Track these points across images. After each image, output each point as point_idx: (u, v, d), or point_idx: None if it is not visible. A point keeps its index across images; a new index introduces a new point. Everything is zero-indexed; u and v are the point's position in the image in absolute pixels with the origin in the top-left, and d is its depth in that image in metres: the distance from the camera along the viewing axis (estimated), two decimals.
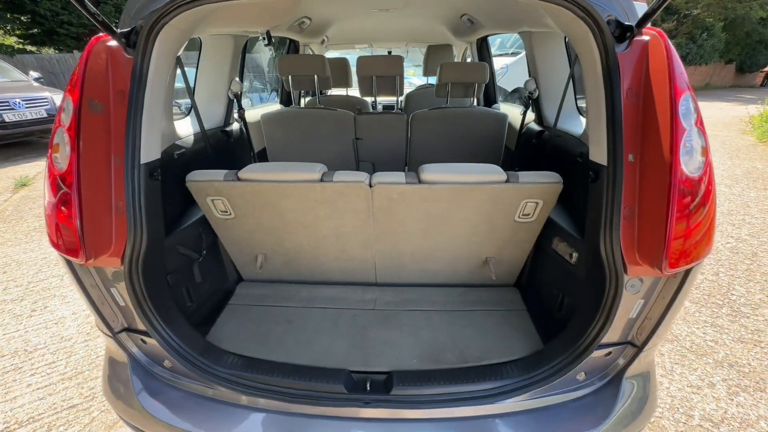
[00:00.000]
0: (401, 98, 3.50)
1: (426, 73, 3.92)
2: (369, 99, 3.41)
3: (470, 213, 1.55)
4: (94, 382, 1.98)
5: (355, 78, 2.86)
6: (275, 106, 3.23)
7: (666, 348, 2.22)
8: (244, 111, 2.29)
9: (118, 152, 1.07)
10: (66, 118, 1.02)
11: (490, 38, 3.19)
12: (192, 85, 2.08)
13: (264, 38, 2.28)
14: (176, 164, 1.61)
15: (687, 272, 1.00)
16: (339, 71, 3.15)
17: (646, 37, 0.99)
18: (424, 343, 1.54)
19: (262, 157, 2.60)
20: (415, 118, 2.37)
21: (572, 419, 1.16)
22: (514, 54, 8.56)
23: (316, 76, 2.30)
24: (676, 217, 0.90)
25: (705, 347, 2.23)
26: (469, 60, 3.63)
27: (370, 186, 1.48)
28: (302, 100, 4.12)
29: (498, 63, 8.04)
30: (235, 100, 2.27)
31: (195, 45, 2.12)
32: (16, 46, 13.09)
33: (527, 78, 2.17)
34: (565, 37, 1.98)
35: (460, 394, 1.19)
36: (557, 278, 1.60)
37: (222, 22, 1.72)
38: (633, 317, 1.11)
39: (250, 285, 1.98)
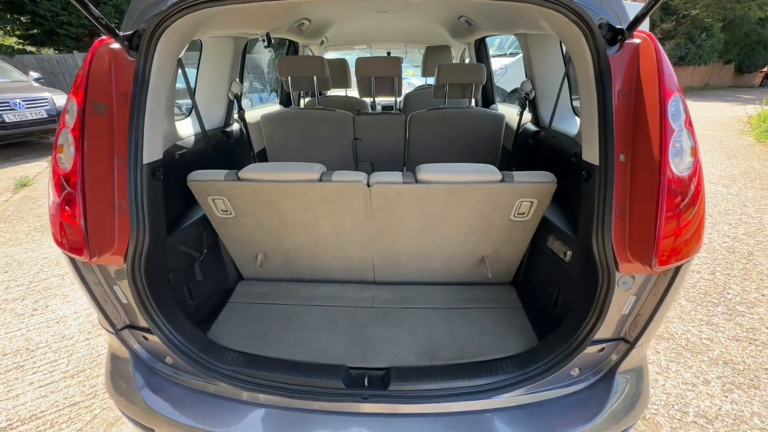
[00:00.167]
0: (400, 99, 3.52)
1: (425, 74, 3.93)
2: (368, 100, 3.43)
3: (466, 212, 1.57)
4: (95, 380, 2.00)
5: (354, 79, 2.88)
6: (275, 107, 3.24)
7: (662, 346, 2.24)
8: (244, 112, 2.31)
9: (121, 153, 1.09)
10: (70, 120, 1.04)
11: (488, 39, 3.21)
12: (193, 86, 2.10)
13: (264, 40, 2.30)
14: (177, 164, 1.63)
15: (677, 269, 1.02)
16: (338, 72, 3.17)
17: (636, 40, 1.01)
18: (422, 340, 1.56)
19: (262, 157, 2.62)
20: (414, 118, 2.39)
21: (566, 414, 1.18)
22: (512, 55, 8.59)
23: (315, 77, 2.31)
24: (665, 216, 0.93)
25: (700, 345, 2.25)
26: (467, 61, 3.65)
27: (368, 186, 1.50)
28: (302, 101, 4.14)
29: (497, 64, 8.07)
30: (235, 101, 2.29)
31: (195, 46, 2.14)
32: (16, 47, 13.09)
33: (525, 79, 2.20)
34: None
35: (457, 390, 1.21)
36: (552, 276, 1.62)
37: (223, 25, 1.74)
38: (625, 313, 1.13)
39: (250, 283, 2.00)
